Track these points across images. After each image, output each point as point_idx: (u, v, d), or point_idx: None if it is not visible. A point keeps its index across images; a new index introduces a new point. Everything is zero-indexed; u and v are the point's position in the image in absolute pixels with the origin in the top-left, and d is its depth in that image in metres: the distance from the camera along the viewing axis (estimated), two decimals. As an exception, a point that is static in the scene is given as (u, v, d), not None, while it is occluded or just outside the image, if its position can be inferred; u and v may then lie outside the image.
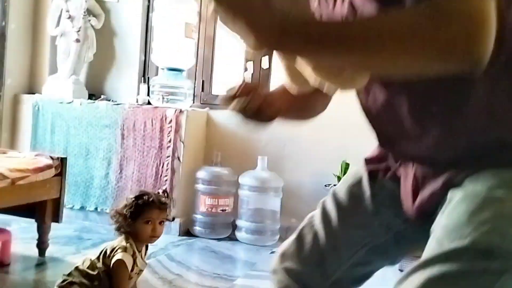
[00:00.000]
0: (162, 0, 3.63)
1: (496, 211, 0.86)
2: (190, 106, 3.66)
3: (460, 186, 0.93)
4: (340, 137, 3.39)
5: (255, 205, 3.32)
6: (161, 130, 3.33)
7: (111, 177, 3.39)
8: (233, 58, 3.80)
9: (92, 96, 3.74)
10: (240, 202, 3.35)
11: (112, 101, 3.67)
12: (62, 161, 2.61)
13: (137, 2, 3.86)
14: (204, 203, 3.31)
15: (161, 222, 1.87)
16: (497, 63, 0.76)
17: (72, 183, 3.33)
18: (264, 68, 3.69)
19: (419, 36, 0.73)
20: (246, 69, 3.73)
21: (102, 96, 3.72)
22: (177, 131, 3.30)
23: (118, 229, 1.86)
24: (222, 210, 3.33)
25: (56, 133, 3.51)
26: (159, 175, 3.33)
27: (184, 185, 3.36)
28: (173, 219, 2.12)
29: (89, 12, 3.74)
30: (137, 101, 3.65)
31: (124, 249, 1.81)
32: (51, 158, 2.57)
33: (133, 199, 1.85)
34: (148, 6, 3.90)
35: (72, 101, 3.51)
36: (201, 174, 3.35)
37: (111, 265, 1.81)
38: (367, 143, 3.30)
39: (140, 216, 1.83)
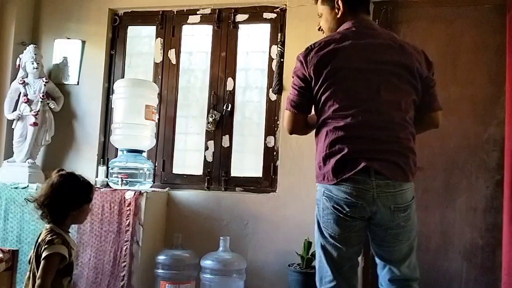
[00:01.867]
0: (122, 82, 3.67)
1: None
2: (151, 187, 3.61)
3: None
4: (302, 215, 3.38)
5: (218, 289, 3.21)
6: (120, 213, 3.24)
7: (66, 264, 3.24)
8: (194, 137, 3.82)
9: (49, 179, 3.64)
10: (202, 286, 3.23)
11: (69, 184, 3.58)
12: (14, 253, 2.48)
13: (97, 84, 3.89)
14: (164, 289, 3.17)
15: None
16: None
17: (25, 274, 3.15)
18: (225, 146, 3.71)
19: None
20: (207, 148, 3.74)
21: (60, 179, 3.63)
22: (136, 213, 3.22)
23: None
24: (184, 296, 3.19)
25: (9, 219, 3.37)
26: (117, 261, 3.20)
27: (143, 270, 3.23)
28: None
29: (48, 95, 3.74)
30: (95, 184, 3.57)
31: None
32: (1, 251, 2.44)
33: None
34: (108, 88, 3.93)
35: (28, 185, 3.41)
36: (161, 258, 3.24)
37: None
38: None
39: None
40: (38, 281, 1.78)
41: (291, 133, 2.11)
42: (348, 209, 1.88)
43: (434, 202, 3.29)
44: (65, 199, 1.89)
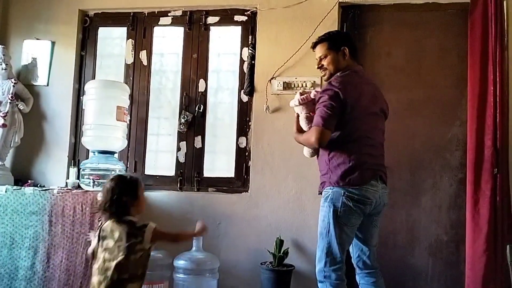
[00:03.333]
0: (93, 83, 3.66)
1: None
2: (123, 188, 3.59)
3: None
4: (273, 213, 3.44)
5: (191, 289, 3.23)
6: (92, 214, 3.23)
7: (37, 267, 3.21)
8: (166, 138, 3.83)
9: (19, 181, 3.61)
10: (176, 286, 3.25)
11: (40, 186, 3.55)
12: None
13: (68, 85, 3.87)
14: (137, 290, 3.18)
15: None
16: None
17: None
18: (197, 147, 3.74)
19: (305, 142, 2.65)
20: (179, 149, 3.76)
21: (30, 181, 3.60)
22: (108, 215, 3.21)
23: None
24: (157, 296, 3.21)
25: (-23, 222, 3.31)
26: (90, 263, 3.18)
27: (116, 271, 3.23)
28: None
29: (17, 96, 3.70)
30: (66, 185, 3.55)
31: None
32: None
33: None
34: (79, 89, 3.91)
35: (-4, 187, 3.36)
36: (134, 258, 3.24)
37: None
38: (300, 219, 3.38)
39: None
40: (175, 236, 2.50)
41: (320, 146, 2.55)
42: (364, 206, 2.49)
43: (400, 201, 3.40)
44: (121, 196, 2.25)
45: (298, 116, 2.72)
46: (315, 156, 2.72)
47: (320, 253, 2.53)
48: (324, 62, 2.67)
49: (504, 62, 3.16)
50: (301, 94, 2.68)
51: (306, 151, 2.76)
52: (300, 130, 2.70)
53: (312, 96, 2.64)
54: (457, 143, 3.37)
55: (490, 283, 3.01)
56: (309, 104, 2.64)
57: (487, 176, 3.11)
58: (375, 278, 2.65)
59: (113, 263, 2.17)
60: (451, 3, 3.45)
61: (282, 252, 3.22)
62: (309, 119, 2.62)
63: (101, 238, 2.26)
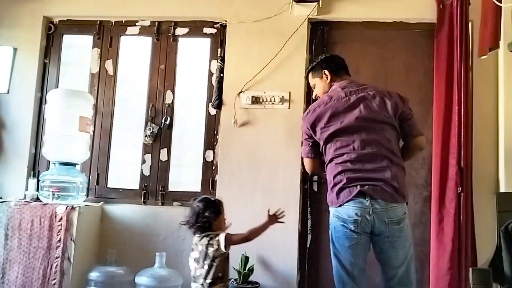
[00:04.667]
0: (56, 92, 3.55)
1: None
2: (84, 201, 3.49)
3: None
4: (239, 229, 3.37)
5: (153, 306, 3.14)
6: (50, 228, 3.11)
7: (-10, 283, 3.07)
8: (131, 150, 3.74)
9: (-27, 193, 3.45)
10: (137, 303, 3.16)
11: (-4, 197, 3.41)
12: None
13: (29, 93, 3.74)
14: (96, 307, 3.07)
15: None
16: None
17: None
18: (163, 160, 3.66)
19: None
20: (144, 161, 3.67)
21: (-15, 193, 3.45)
22: (67, 229, 3.10)
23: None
24: (117, 314, 3.10)
25: None
26: (47, 279, 3.07)
27: (74, 288, 3.12)
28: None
29: (-26, 103, 3.55)
30: (25, 197, 3.42)
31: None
32: None
33: None
34: (41, 98, 3.79)
35: (-51, 199, 3.21)
36: (94, 275, 3.13)
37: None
38: (266, 235, 3.34)
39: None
40: (241, 239, 2.66)
41: (312, 174, 2.86)
42: (351, 225, 2.38)
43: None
44: (205, 215, 2.63)
45: None
46: None
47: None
48: (315, 91, 2.76)
49: (468, 82, 3.22)
50: None
51: None
52: None
53: None
54: (422, 162, 3.40)
55: (454, 302, 3.04)
56: None
57: (451, 194, 3.15)
58: None
59: (198, 272, 2.60)
60: (418, 23, 3.51)
61: (247, 269, 3.17)
62: None
63: (192, 249, 2.69)
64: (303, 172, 3.45)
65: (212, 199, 2.75)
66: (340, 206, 2.41)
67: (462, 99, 3.19)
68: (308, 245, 3.46)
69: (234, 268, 3.18)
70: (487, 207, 3.10)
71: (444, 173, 3.18)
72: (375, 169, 2.39)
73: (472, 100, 3.23)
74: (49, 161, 3.57)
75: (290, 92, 3.49)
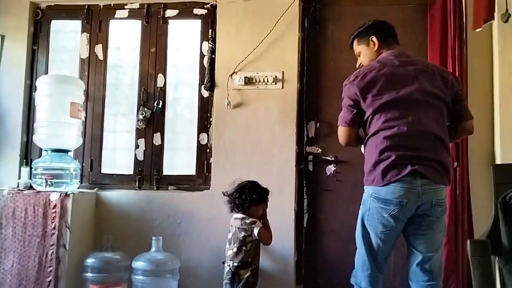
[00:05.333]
0: (46, 79, 3.50)
1: None
2: (78, 188, 3.46)
3: None
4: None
5: (150, 290, 3.13)
6: (45, 216, 3.09)
7: (-14, 272, 3.04)
8: (124, 135, 3.70)
9: (-34, 182, 3.42)
10: (134, 288, 3.15)
11: (-12, 187, 3.37)
12: None
13: (19, 81, 3.69)
14: (94, 293, 3.06)
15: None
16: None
17: None
18: (157, 144, 3.63)
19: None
20: (137, 146, 3.64)
21: (-23, 182, 3.41)
22: (62, 216, 3.07)
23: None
24: (115, 299, 3.09)
25: None
26: (43, 266, 3.05)
27: (71, 275, 3.10)
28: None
29: (-37, 92, 3.50)
30: (18, 186, 3.38)
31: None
32: None
33: None
34: (31, 85, 3.73)
35: None
36: (90, 261, 3.12)
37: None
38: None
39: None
40: (266, 242, 2.79)
41: (346, 145, 2.39)
42: (393, 208, 2.16)
43: (359, 194, 3.38)
44: (249, 195, 2.77)
45: None
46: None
47: (355, 256, 2.33)
48: (360, 59, 2.53)
49: (463, 56, 3.18)
50: None
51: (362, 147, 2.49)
52: None
53: None
54: (418, 138, 3.37)
55: (451, 276, 3.03)
56: None
57: (447, 169, 3.13)
58: None
59: (228, 253, 2.73)
60: (411, -2, 3.46)
61: (244, 250, 3.15)
62: None
63: (229, 230, 2.81)
64: (298, 152, 3.42)
65: (263, 186, 2.88)
66: (384, 185, 2.17)
67: (457, 73, 3.15)
68: (304, 225, 3.44)
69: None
70: (483, 180, 3.10)
71: (440, 149, 3.16)
72: (428, 148, 2.20)
73: (466, 74, 3.19)
74: (41, 149, 3.53)
75: (283, 72, 3.44)
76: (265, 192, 2.88)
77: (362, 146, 2.41)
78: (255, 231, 2.72)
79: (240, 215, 2.80)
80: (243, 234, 2.72)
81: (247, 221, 2.74)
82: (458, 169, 3.09)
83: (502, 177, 2.09)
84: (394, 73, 2.27)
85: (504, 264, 1.79)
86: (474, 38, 3.19)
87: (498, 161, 3.01)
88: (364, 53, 2.48)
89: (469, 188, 3.11)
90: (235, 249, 2.71)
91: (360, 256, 2.28)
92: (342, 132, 2.36)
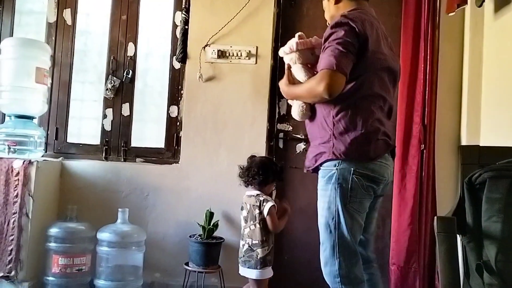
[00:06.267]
0: (11, 41, 3.36)
1: None
2: (42, 156, 3.36)
3: None
4: (204, 185, 3.35)
5: (115, 262, 3.09)
6: (7, 183, 2.99)
7: None
8: (91, 104, 3.61)
9: None
10: (99, 259, 3.10)
11: None
12: None
13: (-19, 43, 3.52)
14: (57, 263, 3.00)
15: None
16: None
17: None
18: (125, 115, 3.55)
19: (305, 93, 2.02)
20: (105, 116, 3.55)
21: None
22: (25, 184, 2.99)
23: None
24: (78, 270, 3.04)
25: None
26: (4, 234, 2.97)
27: (33, 244, 3.03)
28: (21, 283, 2.00)
29: None
30: (-22, 152, 3.26)
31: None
32: None
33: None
34: (-6, 48, 3.57)
35: None
36: (54, 231, 3.05)
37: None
38: (231, 192, 3.30)
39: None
40: (271, 224, 2.67)
41: (331, 96, 1.88)
42: (377, 186, 2.02)
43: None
44: (267, 172, 2.74)
45: (289, 67, 2.17)
46: (307, 120, 2.19)
47: (329, 252, 1.98)
48: (325, 15, 2.24)
49: (435, 40, 3.22)
50: (300, 37, 2.13)
51: (297, 110, 2.13)
52: (293, 83, 2.14)
53: (313, 41, 2.13)
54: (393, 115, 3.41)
55: (413, 256, 3.11)
56: (306, 52, 2.12)
57: (414, 151, 3.18)
58: (373, 273, 2.18)
59: (246, 231, 2.72)
60: (387, -21, 3.46)
61: (212, 224, 3.15)
62: (308, 70, 2.09)
63: (241, 208, 2.79)
64: (269, 129, 3.42)
65: (279, 165, 2.90)
66: (371, 161, 1.96)
67: (428, 57, 3.19)
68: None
69: (199, 224, 3.16)
70: (449, 162, 3.18)
71: (408, 131, 3.21)
72: (390, 125, 2.11)
73: (438, 57, 3.23)
74: (4, 114, 3.40)
75: (257, 47, 3.40)
76: (281, 171, 2.87)
77: (297, 108, 2.11)
78: (266, 209, 2.67)
79: (255, 192, 2.76)
80: (257, 211, 2.69)
81: (261, 198, 2.71)
82: (425, 151, 3.15)
83: (468, 158, 2.13)
84: (382, 34, 2.07)
85: (468, 241, 1.84)
86: (446, 22, 3.23)
87: (464, 142, 3.08)
88: (326, 8, 2.22)
89: (435, 170, 3.18)
90: (252, 227, 2.69)
91: (343, 247, 1.97)
92: (335, 79, 1.84)
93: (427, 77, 3.19)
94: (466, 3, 2.94)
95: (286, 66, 2.19)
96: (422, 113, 3.18)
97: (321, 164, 2.02)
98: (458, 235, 1.88)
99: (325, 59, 1.87)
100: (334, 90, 1.85)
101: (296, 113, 2.14)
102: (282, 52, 2.19)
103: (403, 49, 3.28)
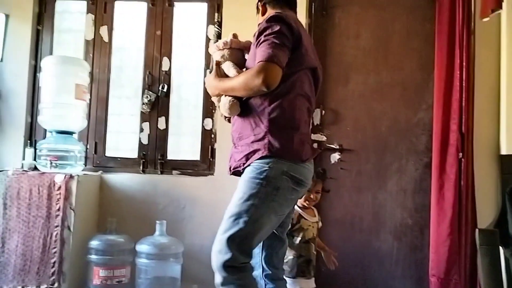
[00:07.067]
0: (51, 59, 3.47)
1: None
2: (82, 170, 3.46)
3: None
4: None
5: (154, 274, 3.14)
6: (49, 197, 3.08)
7: (-10, 252, 3.05)
8: (128, 118, 3.69)
9: (-30, 163, 3.41)
10: (138, 271, 3.16)
11: (-7, 167, 3.37)
12: None
13: (23, 61, 3.66)
14: (98, 275, 3.07)
15: (317, 192, 2.65)
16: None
17: None
18: (161, 128, 3.62)
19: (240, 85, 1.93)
20: (142, 130, 3.63)
21: (-19, 163, 3.41)
22: (66, 198, 3.07)
23: None
24: (118, 282, 3.10)
25: None
26: (47, 247, 3.05)
27: (75, 256, 3.11)
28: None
29: (-33, 72, 3.47)
30: (22, 167, 3.38)
31: None
32: None
33: None
34: (35, 66, 3.71)
35: None
36: (94, 243, 3.12)
37: None
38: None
39: None
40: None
41: (270, 89, 1.86)
42: (301, 190, 1.99)
43: (366, 184, 3.40)
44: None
45: (218, 63, 2.14)
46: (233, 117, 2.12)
47: (224, 242, 1.87)
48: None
49: (470, 46, 3.17)
50: (234, 36, 2.16)
51: (227, 104, 2.01)
52: (223, 77, 2.08)
53: (245, 43, 2.16)
54: (423, 127, 3.38)
55: (454, 267, 3.05)
56: (237, 51, 2.16)
57: (452, 160, 3.13)
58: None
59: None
60: (420, -15, 3.43)
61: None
62: (237, 69, 2.07)
63: None
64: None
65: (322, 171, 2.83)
66: (302, 163, 1.94)
67: (464, 63, 3.14)
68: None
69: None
70: (488, 171, 3.11)
71: (445, 139, 3.17)
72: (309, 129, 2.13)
73: (474, 64, 3.18)
74: (46, 130, 3.52)
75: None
76: (323, 176, 2.85)
77: (226, 104, 2.01)
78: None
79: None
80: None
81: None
82: (463, 160, 3.10)
83: (509, 167, 2.09)
84: (307, 34, 2.10)
85: (511, 254, 1.80)
86: (482, 27, 3.18)
87: (504, 152, 3.01)
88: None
89: (474, 179, 3.11)
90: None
91: (244, 241, 1.87)
92: (274, 73, 1.84)
93: (463, 84, 3.14)
94: (501, 7, 2.89)
95: (214, 63, 2.16)
96: (459, 121, 3.13)
97: (250, 161, 1.95)
98: (500, 247, 1.84)
99: (263, 51, 1.85)
100: (272, 82, 1.83)
101: (225, 108, 2.02)
102: (214, 47, 2.17)
103: (438, 56, 3.24)
